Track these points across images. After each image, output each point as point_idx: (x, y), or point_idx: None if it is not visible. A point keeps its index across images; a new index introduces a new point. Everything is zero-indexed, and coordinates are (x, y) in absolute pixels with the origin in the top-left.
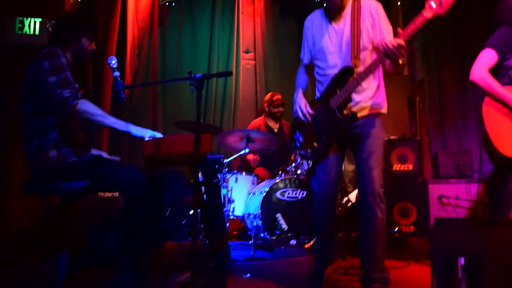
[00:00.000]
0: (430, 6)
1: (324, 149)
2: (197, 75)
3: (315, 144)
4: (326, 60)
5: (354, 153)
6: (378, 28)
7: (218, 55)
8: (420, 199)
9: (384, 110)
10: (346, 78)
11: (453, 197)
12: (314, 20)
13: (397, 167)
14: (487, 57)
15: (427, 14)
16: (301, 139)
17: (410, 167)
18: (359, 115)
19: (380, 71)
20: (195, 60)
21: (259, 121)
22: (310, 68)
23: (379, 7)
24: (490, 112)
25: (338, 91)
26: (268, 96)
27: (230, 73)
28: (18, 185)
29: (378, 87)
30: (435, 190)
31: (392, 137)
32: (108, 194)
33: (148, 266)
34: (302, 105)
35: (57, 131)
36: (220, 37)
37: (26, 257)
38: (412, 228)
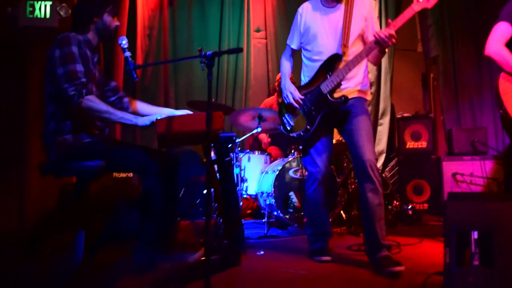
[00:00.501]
0: (418, 0)
1: (317, 131)
2: (208, 53)
3: (308, 127)
4: (318, 46)
5: (344, 132)
6: (369, 20)
7: (229, 35)
8: (434, 176)
9: (369, 96)
10: (334, 64)
11: (468, 174)
12: (309, 7)
13: (410, 144)
14: (501, 31)
15: (416, 7)
16: (292, 123)
17: (424, 144)
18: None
19: (365, 61)
20: (205, 41)
21: (271, 100)
22: (295, 53)
23: (372, 1)
24: (507, 89)
25: (328, 76)
26: (279, 75)
27: (241, 50)
28: (36, 166)
29: (364, 74)
30: (449, 167)
31: (405, 115)
32: (123, 175)
33: (163, 245)
34: (292, 91)
35: (70, 118)
36: (230, 17)
37: (43, 239)
38: (426, 205)
